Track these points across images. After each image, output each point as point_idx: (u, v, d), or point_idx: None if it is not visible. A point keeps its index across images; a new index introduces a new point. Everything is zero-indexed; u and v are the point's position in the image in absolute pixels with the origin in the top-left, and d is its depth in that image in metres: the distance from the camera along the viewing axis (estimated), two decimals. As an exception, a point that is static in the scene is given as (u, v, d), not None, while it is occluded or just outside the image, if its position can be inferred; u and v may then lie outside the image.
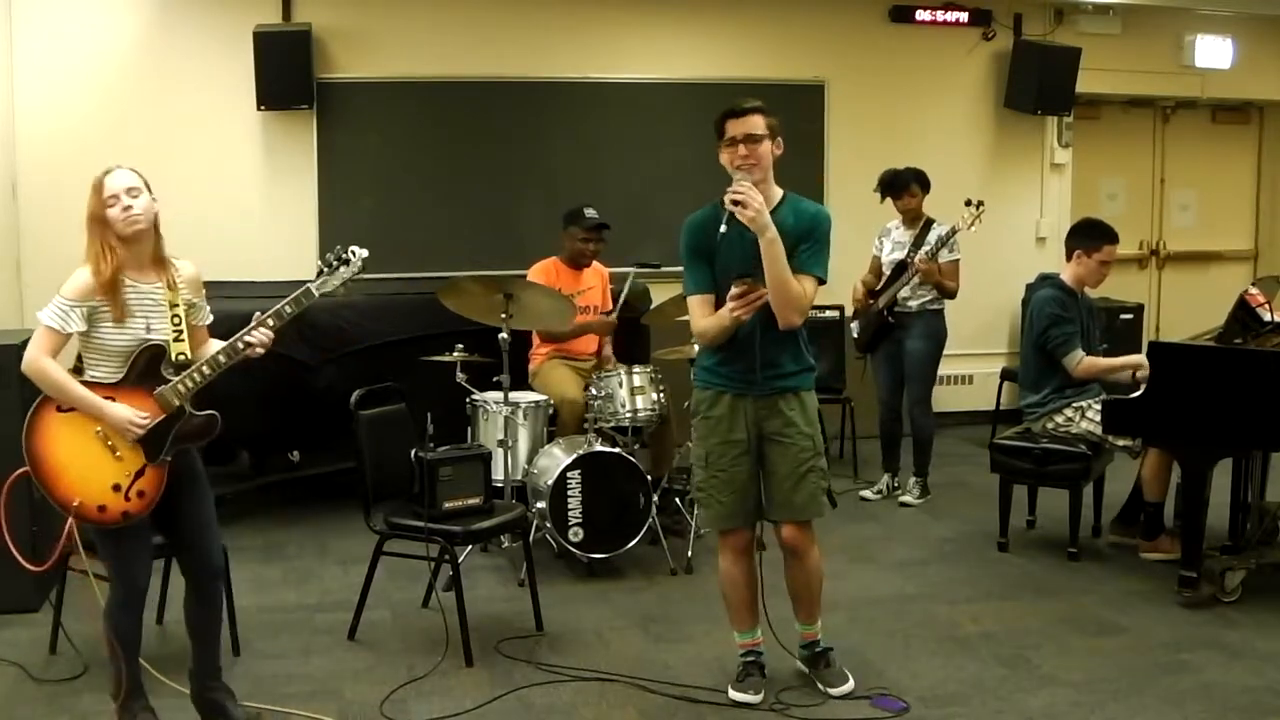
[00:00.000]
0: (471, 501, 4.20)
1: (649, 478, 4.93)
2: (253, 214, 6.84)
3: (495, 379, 4.97)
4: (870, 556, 5.18)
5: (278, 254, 6.70)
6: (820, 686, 3.69)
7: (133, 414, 3.12)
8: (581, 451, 4.82)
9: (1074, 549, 5.02)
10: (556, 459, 4.86)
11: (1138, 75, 8.14)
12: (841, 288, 5.97)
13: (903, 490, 6.13)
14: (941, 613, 4.44)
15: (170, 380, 3.17)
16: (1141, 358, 4.73)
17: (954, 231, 5.81)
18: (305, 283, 3.29)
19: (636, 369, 5.20)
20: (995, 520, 5.21)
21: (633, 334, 5.94)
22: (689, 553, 4.98)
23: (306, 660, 3.98)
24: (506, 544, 5.01)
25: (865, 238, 6.17)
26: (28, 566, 3.33)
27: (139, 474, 3.14)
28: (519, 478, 5.10)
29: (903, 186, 5.94)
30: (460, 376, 4.99)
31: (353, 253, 3.33)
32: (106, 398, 3.12)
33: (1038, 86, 7.61)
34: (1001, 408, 7.53)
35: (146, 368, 3.15)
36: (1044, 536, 5.38)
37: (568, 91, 7.24)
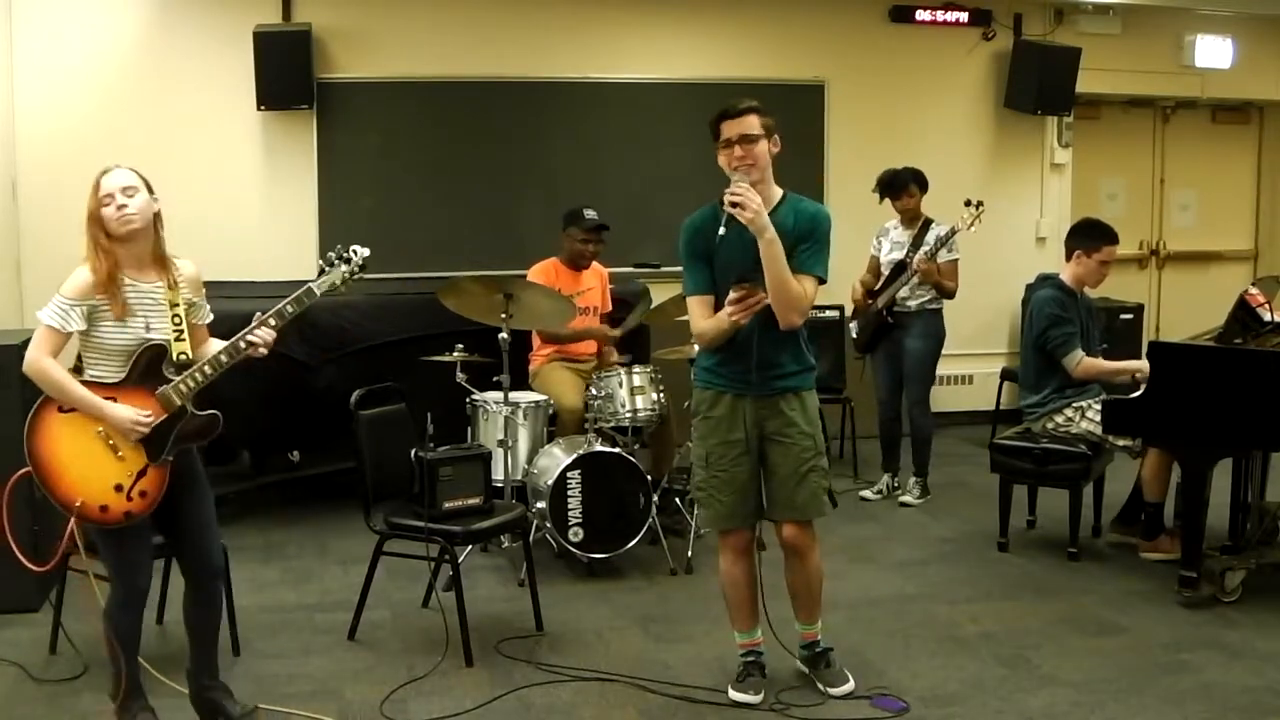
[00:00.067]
0: (471, 501, 4.20)
1: (649, 478, 4.93)
2: (253, 214, 6.84)
3: (495, 379, 4.97)
4: (870, 556, 5.18)
5: (278, 254, 6.70)
6: (820, 686, 3.69)
7: (136, 414, 3.12)
8: (581, 451, 4.82)
9: (1074, 549, 5.02)
10: (556, 459, 4.86)
11: (1138, 75, 8.14)
12: (841, 288, 5.98)
13: (903, 490, 6.13)
14: (941, 613, 4.44)
15: (172, 380, 3.17)
16: (1142, 363, 4.72)
17: (953, 232, 5.81)
18: (305, 282, 3.29)
19: (636, 369, 5.20)
20: (995, 520, 5.21)
21: (633, 334, 5.94)
22: (689, 553, 4.98)
23: (306, 660, 3.98)
24: (506, 544, 5.01)
25: (865, 238, 6.16)
26: (30, 567, 3.33)
27: (141, 474, 3.14)
28: (519, 478, 5.10)
29: (901, 187, 5.94)
30: (460, 376, 4.99)
31: (354, 252, 3.33)
32: (108, 398, 3.12)
33: (1038, 86, 7.61)
34: (1001, 408, 7.53)
35: (148, 367, 3.16)
36: (1044, 536, 5.38)
37: (568, 91, 7.24)
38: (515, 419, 5.09)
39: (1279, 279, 5.78)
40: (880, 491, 6.18)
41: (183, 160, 6.49)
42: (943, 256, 5.86)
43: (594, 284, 5.71)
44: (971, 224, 5.79)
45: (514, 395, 5.07)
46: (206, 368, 3.19)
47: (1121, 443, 5.00)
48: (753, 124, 3.44)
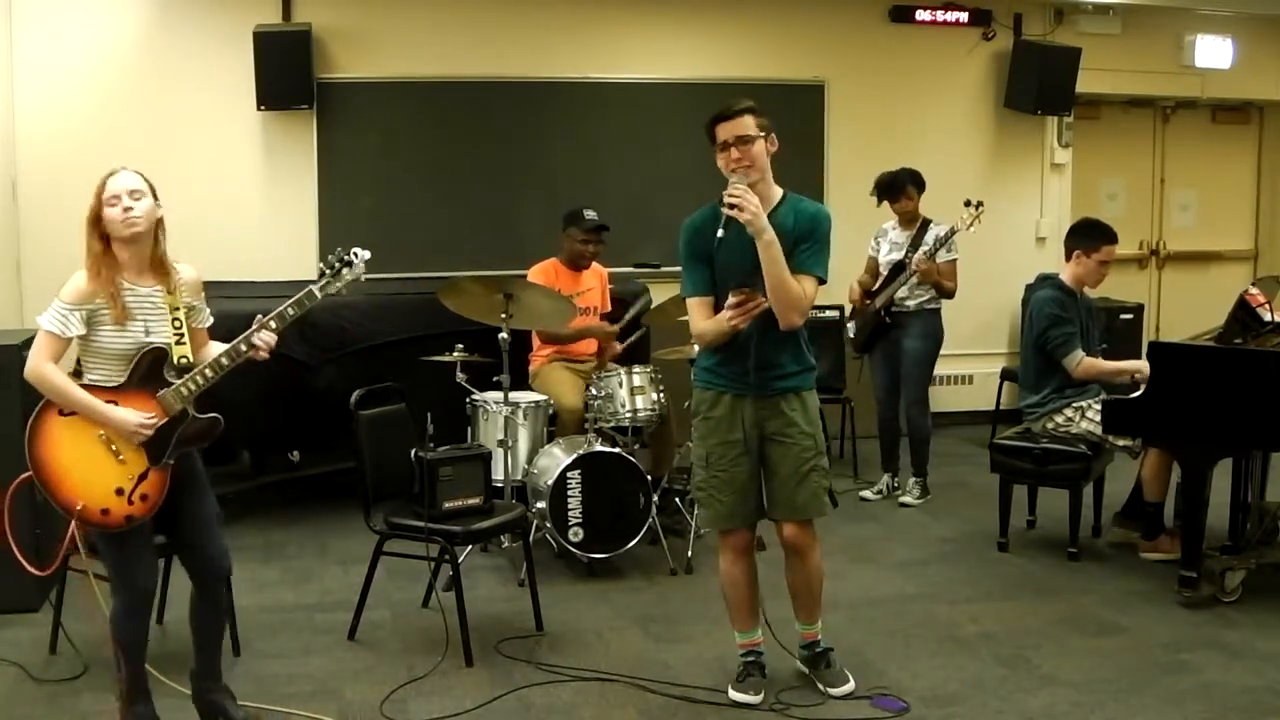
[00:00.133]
0: (471, 501, 4.20)
1: (649, 478, 4.93)
2: (253, 214, 6.84)
3: (495, 379, 4.97)
4: (870, 556, 5.18)
5: (278, 254, 6.70)
6: (820, 687, 3.69)
7: (140, 417, 3.12)
8: (581, 451, 4.82)
9: (1074, 549, 5.02)
10: (556, 459, 4.86)
11: (1138, 75, 8.14)
12: (841, 288, 5.98)
13: (902, 490, 6.13)
14: (941, 613, 4.44)
15: (173, 383, 3.17)
16: (1142, 363, 4.72)
17: (952, 232, 5.81)
18: (305, 282, 3.29)
19: (636, 369, 5.20)
20: (995, 520, 5.21)
21: (633, 332, 5.92)
22: (689, 553, 4.98)
23: (306, 660, 3.98)
24: (506, 544, 5.01)
25: (865, 238, 6.16)
26: (33, 571, 3.33)
27: (142, 477, 3.14)
28: (519, 478, 5.09)
29: (899, 189, 5.93)
30: (460, 376, 4.99)
31: (354, 254, 3.32)
32: (109, 401, 3.11)
33: (1038, 86, 7.61)
34: (1001, 408, 7.53)
35: (149, 371, 3.15)
36: (1044, 536, 5.38)
37: (568, 91, 7.24)
38: (515, 419, 5.09)
39: (1279, 279, 5.78)
40: (880, 491, 6.18)
41: (183, 160, 6.49)
42: (941, 257, 5.85)
43: (594, 284, 5.71)
44: (971, 224, 5.79)
45: (514, 395, 5.06)
46: (208, 371, 3.19)
47: (1121, 443, 5.00)
48: (748, 125, 3.44)
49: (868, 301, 6.08)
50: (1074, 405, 5.05)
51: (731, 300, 3.38)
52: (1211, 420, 4.36)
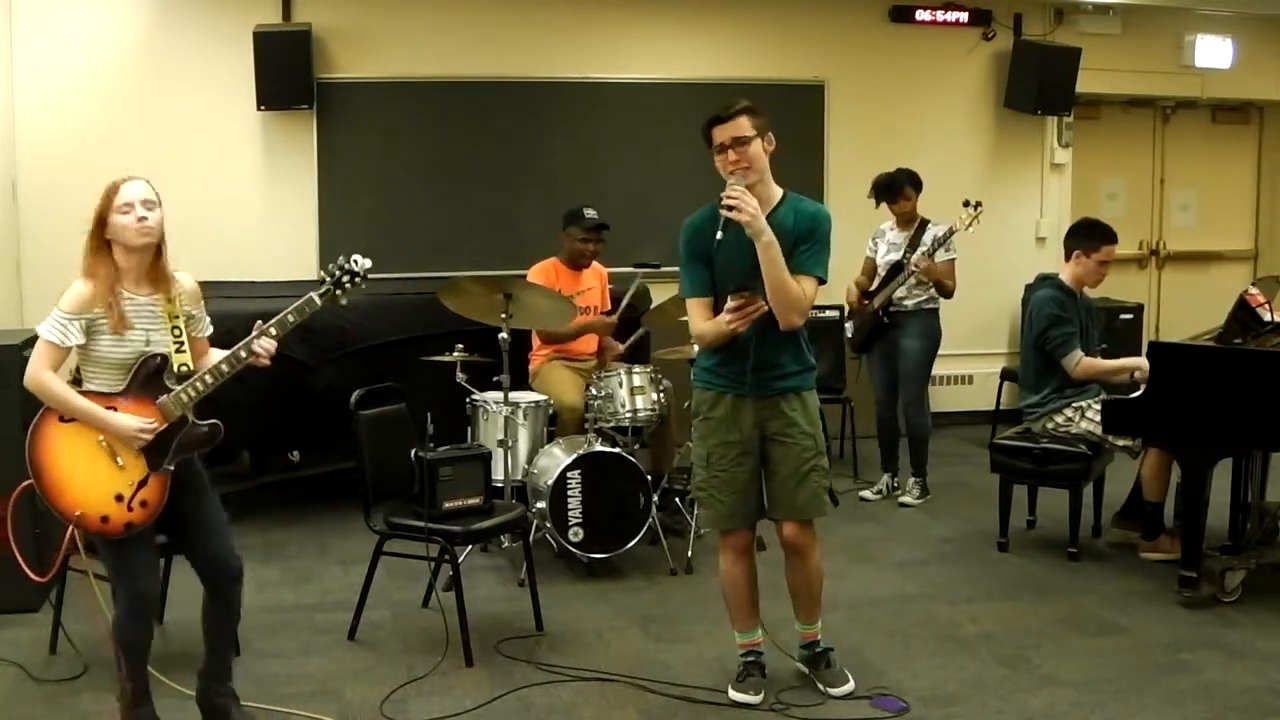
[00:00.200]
0: (471, 501, 4.20)
1: (649, 478, 4.93)
2: (253, 214, 6.84)
3: (495, 379, 4.97)
4: (870, 556, 5.18)
5: (278, 254, 6.71)
6: (820, 687, 3.69)
7: (141, 422, 3.12)
8: (581, 451, 4.82)
9: (1074, 549, 5.02)
10: (556, 459, 4.86)
11: (1138, 75, 8.14)
12: (841, 288, 5.99)
13: (902, 490, 6.13)
14: (941, 613, 4.44)
15: (173, 390, 3.17)
16: (1141, 360, 4.72)
17: (951, 233, 5.80)
18: (305, 283, 3.29)
19: (636, 369, 5.20)
20: (995, 520, 5.21)
21: (631, 333, 5.93)
22: (689, 553, 4.98)
23: (306, 660, 3.98)
24: (506, 544, 5.01)
25: (865, 238, 6.15)
26: (35, 579, 3.33)
27: (142, 483, 3.14)
28: (519, 478, 5.09)
29: (897, 190, 5.93)
30: (460, 376, 4.99)
31: (355, 261, 3.30)
32: (109, 407, 3.11)
33: (1038, 86, 7.61)
34: (1001, 408, 7.53)
35: (149, 377, 3.15)
36: (1044, 536, 5.38)
37: (568, 91, 7.24)
38: (515, 419, 5.09)
39: (1279, 279, 5.78)
40: (880, 491, 6.18)
41: (183, 160, 6.49)
42: (940, 256, 5.85)
43: (594, 284, 5.71)
44: (969, 224, 5.79)
45: (514, 395, 5.06)
46: (208, 377, 3.18)
47: (1121, 443, 5.00)
48: (744, 126, 3.43)
49: (865, 302, 6.08)
50: (1074, 405, 5.06)
51: (731, 304, 3.38)
52: (1211, 420, 4.36)
